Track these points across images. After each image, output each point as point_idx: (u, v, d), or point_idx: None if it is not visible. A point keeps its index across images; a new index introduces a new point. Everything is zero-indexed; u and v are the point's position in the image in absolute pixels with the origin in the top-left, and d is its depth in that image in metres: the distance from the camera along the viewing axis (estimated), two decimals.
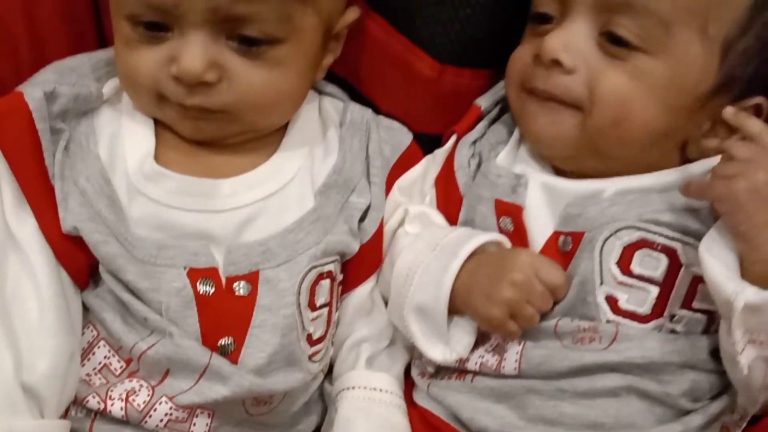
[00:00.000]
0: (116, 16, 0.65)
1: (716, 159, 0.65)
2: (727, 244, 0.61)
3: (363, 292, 0.74)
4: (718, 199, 0.61)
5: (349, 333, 0.74)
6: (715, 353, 0.65)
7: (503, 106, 0.76)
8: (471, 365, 0.69)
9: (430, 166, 0.76)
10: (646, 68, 0.65)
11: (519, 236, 0.70)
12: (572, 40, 0.66)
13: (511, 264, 0.66)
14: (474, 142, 0.75)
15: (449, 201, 0.74)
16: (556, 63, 0.66)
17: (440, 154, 0.76)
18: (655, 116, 0.66)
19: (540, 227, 0.69)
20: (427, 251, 0.69)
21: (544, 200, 0.69)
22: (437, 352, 0.68)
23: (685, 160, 0.70)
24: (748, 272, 0.60)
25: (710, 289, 0.61)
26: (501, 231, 0.70)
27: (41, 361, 0.63)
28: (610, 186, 0.68)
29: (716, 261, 0.60)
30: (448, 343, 0.68)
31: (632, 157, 0.68)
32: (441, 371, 0.71)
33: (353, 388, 0.72)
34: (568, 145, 0.68)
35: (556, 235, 0.68)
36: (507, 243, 0.69)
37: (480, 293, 0.66)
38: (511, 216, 0.70)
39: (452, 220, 0.74)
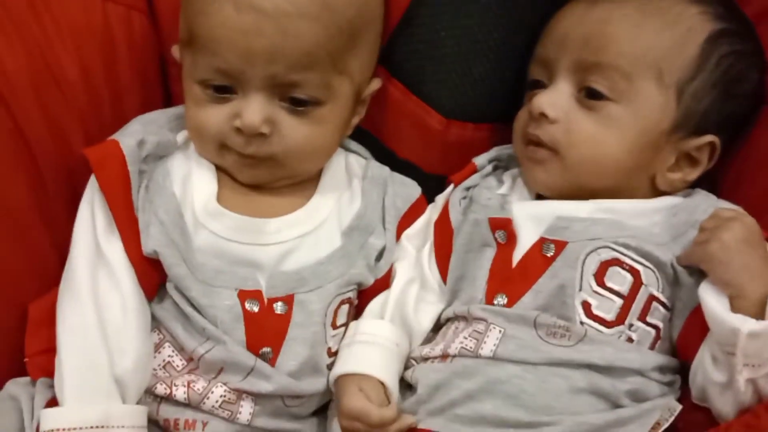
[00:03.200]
0: (188, 81, 0.79)
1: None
2: (719, 293, 0.73)
3: None
4: (700, 261, 0.75)
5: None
6: (658, 368, 0.78)
7: (496, 165, 0.90)
8: (452, 350, 0.79)
9: (432, 212, 0.89)
10: (615, 114, 0.80)
11: (511, 244, 0.82)
12: (555, 98, 0.81)
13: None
14: (467, 188, 0.89)
15: (444, 237, 0.87)
16: (543, 116, 0.81)
17: (440, 200, 0.90)
18: (624, 153, 0.80)
19: (527, 234, 0.81)
20: (352, 334, 0.82)
21: (529, 214, 0.82)
22: None
23: (656, 190, 0.83)
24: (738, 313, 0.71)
25: (712, 323, 0.72)
26: (498, 244, 0.82)
27: (126, 358, 0.76)
28: (586, 207, 0.81)
29: (715, 301, 0.72)
30: None
31: (610, 188, 0.81)
32: (428, 358, 0.81)
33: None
34: (558, 186, 0.83)
35: (542, 240, 0.80)
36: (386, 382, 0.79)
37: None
38: (504, 229, 0.82)
39: (446, 249, 0.86)
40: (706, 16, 0.81)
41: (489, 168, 0.91)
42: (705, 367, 0.75)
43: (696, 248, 0.75)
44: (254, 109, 0.77)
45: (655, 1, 0.82)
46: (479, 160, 0.91)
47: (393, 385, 0.81)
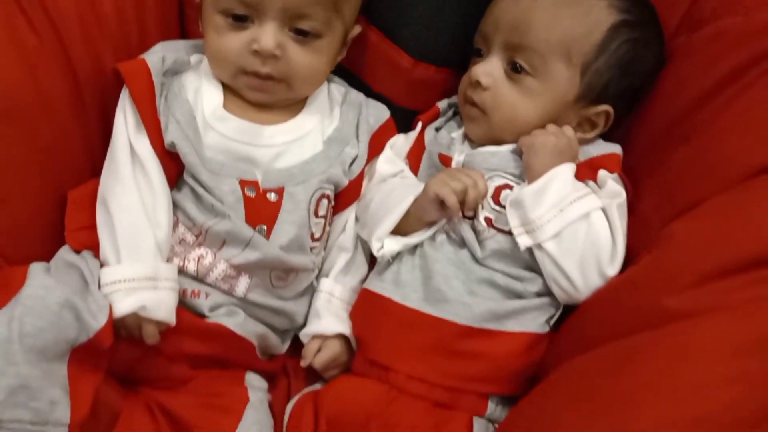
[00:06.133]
0: (210, 12, 0.95)
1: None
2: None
3: (345, 216, 1.06)
4: (524, 144, 0.98)
5: (333, 242, 1.06)
6: None
7: (455, 110, 1.11)
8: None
9: (404, 141, 1.09)
10: (531, 86, 1.00)
11: None
12: (489, 69, 1.01)
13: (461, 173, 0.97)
14: (437, 129, 1.09)
15: (416, 161, 1.07)
16: (478, 83, 1.01)
17: (411, 135, 1.09)
18: (536, 116, 1.00)
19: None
20: (406, 185, 1.01)
21: (459, 160, 1.03)
22: (377, 244, 0.99)
23: None
24: None
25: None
26: None
27: (161, 231, 0.93)
28: (490, 149, 1.02)
29: (517, 188, 0.96)
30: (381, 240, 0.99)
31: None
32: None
33: (322, 291, 1.04)
34: (485, 137, 1.04)
35: None
36: None
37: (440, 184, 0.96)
38: (446, 164, 1.03)
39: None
40: (611, 9, 0.99)
41: (450, 112, 1.11)
42: None
43: (530, 136, 0.97)
44: (269, 34, 0.93)
45: None
46: (442, 104, 1.11)
47: None
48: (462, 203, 0.96)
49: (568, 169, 0.96)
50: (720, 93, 0.92)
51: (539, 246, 0.94)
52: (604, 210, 0.95)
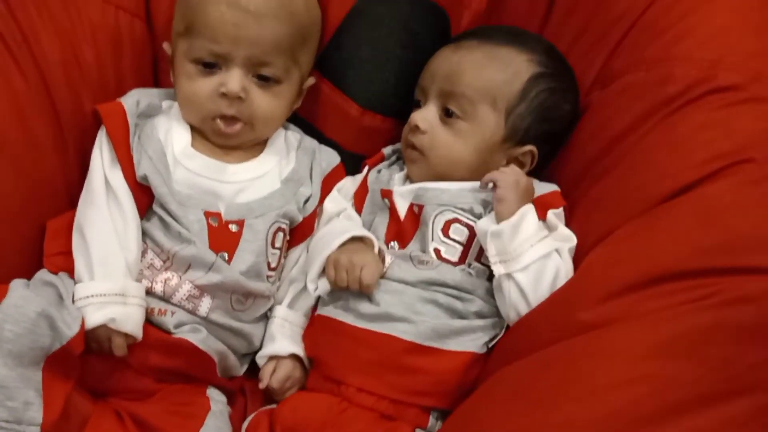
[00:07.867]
0: (182, 61, 1.07)
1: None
2: (491, 218, 1.05)
3: (298, 251, 1.15)
4: (497, 179, 1.07)
5: (287, 274, 1.16)
6: (492, 293, 1.06)
7: (398, 155, 1.23)
8: None
9: (351, 184, 1.20)
10: (463, 129, 1.12)
11: (392, 208, 1.13)
12: (425, 115, 1.14)
13: (353, 257, 1.06)
14: (379, 171, 1.21)
15: (361, 201, 1.18)
16: (417, 127, 1.14)
17: (358, 177, 1.21)
18: (468, 155, 1.12)
19: (401, 202, 1.13)
20: (336, 231, 1.12)
21: (403, 190, 1.14)
22: (312, 285, 1.09)
23: None
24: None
25: (478, 235, 1.04)
26: (389, 207, 1.14)
27: (131, 254, 1.03)
28: (441, 186, 1.13)
29: (483, 222, 1.05)
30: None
31: (460, 179, 1.13)
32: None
33: (276, 317, 1.13)
34: (424, 175, 1.15)
35: (411, 205, 1.12)
36: (372, 239, 1.09)
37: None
38: (387, 197, 1.15)
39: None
40: (530, 63, 1.13)
41: (393, 158, 1.24)
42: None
43: (502, 173, 1.08)
44: (235, 79, 1.06)
45: (496, 50, 1.12)
46: (386, 150, 1.24)
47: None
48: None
49: (532, 209, 1.07)
50: (626, 137, 1.06)
51: (509, 276, 1.03)
52: (558, 250, 1.06)
